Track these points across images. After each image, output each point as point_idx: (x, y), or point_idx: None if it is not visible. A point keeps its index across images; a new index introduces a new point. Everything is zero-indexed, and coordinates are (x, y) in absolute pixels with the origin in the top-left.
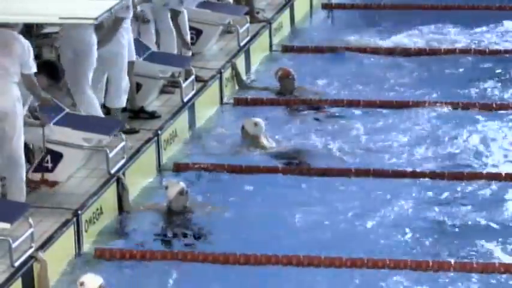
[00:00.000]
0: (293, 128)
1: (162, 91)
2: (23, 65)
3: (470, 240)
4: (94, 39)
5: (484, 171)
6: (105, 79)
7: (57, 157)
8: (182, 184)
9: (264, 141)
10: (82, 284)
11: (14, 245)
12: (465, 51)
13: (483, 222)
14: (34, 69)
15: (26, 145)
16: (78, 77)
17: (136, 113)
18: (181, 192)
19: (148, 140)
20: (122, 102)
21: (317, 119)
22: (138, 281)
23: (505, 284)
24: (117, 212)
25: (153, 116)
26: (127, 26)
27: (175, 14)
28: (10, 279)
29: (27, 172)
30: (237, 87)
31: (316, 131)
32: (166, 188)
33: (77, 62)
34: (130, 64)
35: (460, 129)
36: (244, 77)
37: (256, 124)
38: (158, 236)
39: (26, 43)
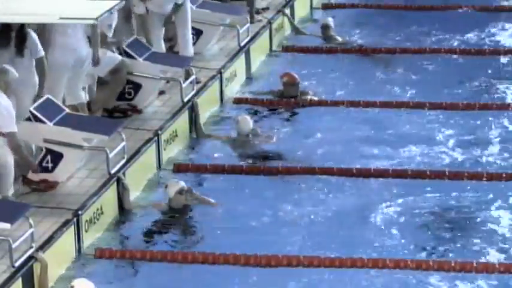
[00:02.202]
0: (293, 129)
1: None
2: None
3: (471, 240)
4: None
5: (484, 171)
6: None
7: (57, 157)
8: (182, 183)
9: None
10: (72, 287)
11: (14, 245)
12: (465, 52)
13: (483, 222)
14: (15, 128)
15: None
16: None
17: (111, 112)
18: (181, 192)
19: (148, 140)
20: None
21: (317, 120)
22: (139, 281)
23: (505, 284)
24: (117, 212)
25: (126, 114)
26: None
27: None
28: (10, 279)
29: (27, 172)
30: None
31: (317, 132)
32: (166, 187)
33: None
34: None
35: (460, 129)
36: (244, 78)
37: (247, 120)
38: (158, 236)
39: (6, 104)
